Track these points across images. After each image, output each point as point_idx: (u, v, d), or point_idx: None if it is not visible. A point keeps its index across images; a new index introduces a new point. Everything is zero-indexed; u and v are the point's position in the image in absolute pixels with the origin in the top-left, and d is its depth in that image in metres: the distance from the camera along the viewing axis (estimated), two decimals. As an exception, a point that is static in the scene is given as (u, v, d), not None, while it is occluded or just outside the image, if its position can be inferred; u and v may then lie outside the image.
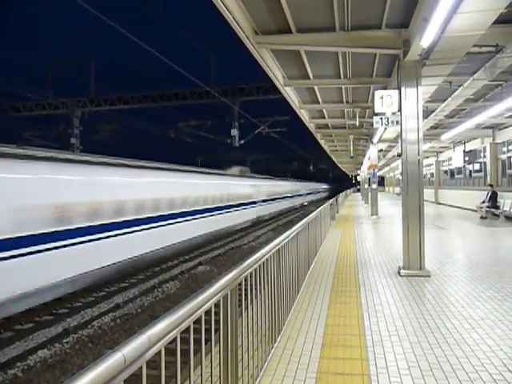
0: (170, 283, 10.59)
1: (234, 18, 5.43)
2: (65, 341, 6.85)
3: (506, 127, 15.04)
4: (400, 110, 6.05)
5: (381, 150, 19.74)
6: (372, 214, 16.12)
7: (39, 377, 5.71)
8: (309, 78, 8.78)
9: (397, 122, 6.60)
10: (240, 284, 2.43)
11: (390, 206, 22.69)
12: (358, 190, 51.59)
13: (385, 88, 8.31)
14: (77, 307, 8.43)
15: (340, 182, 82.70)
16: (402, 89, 5.92)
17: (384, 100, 6.43)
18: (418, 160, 5.93)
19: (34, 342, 6.68)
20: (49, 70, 21.73)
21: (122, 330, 7.49)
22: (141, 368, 1.28)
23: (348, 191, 43.81)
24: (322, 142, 21.09)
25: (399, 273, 5.95)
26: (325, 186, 75.26)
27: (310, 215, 6.52)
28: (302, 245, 5.15)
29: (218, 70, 20.25)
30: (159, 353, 1.40)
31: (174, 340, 1.52)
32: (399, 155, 6.29)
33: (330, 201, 13.79)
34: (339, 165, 43.19)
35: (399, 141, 6.28)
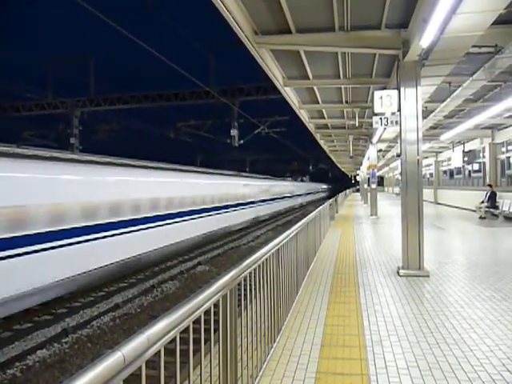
0: (169, 283, 10.58)
1: (233, 18, 5.43)
2: (64, 341, 6.84)
3: (505, 127, 15.05)
4: (399, 110, 6.06)
5: (380, 150, 19.76)
6: (371, 214, 16.11)
7: (38, 377, 5.71)
8: (308, 78, 8.78)
9: (396, 122, 6.60)
10: (239, 284, 2.43)
11: (390, 206, 22.69)
12: (358, 190, 51.62)
13: (384, 88, 8.30)
14: (76, 307, 8.42)
15: (339, 182, 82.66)
16: (402, 89, 5.92)
17: (383, 100, 6.43)
18: (418, 160, 5.93)
19: (33, 342, 6.68)
20: (49, 69, 21.69)
21: (121, 329, 7.49)
22: (140, 368, 1.28)
23: (347, 191, 43.81)
24: (321, 142, 21.11)
25: (398, 273, 5.95)
26: (324, 186, 75.25)
27: (310, 215, 6.51)
28: (302, 245, 5.15)
29: (217, 70, 20.23)
30: (158, 353, 1.40)
31: (174, 340, 1.52)
32: (398, 155, 6.30)
33: (330, 201, 13.78)
34: (339, 165, 43.21)
35: (399, 141, 6.28)
